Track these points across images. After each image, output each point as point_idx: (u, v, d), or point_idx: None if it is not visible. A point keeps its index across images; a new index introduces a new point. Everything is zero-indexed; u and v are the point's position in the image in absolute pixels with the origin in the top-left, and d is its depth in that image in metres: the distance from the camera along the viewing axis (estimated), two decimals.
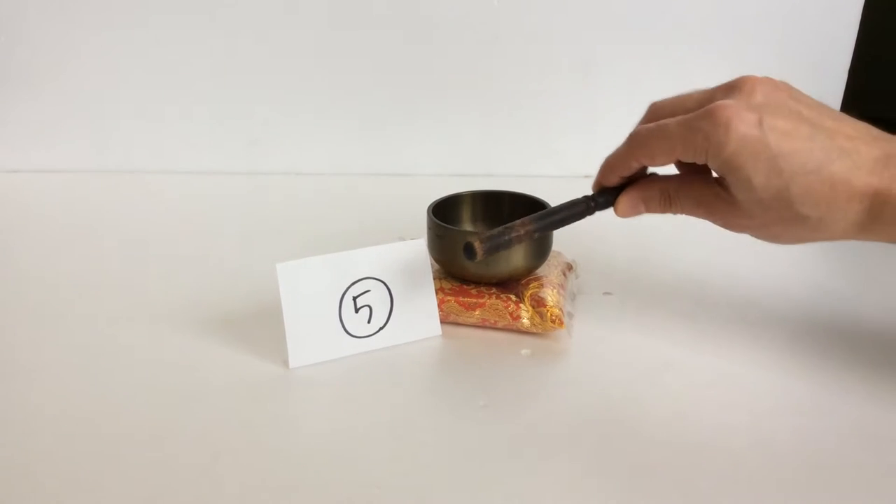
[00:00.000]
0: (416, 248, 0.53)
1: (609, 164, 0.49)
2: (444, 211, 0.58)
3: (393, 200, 0.83)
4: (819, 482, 0.40)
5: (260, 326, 0.54)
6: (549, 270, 0.57)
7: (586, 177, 0.90)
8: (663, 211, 0.48)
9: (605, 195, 0.49)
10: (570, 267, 0.60)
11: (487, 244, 0.46)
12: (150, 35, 0.86)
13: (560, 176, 0.90)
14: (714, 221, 0.47)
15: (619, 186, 0.49)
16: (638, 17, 0.85)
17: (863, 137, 0.42)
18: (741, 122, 0.41)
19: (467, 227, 0.61)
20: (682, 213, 0.48)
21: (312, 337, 0.50)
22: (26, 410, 0.46)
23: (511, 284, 0.55)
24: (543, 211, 0.49)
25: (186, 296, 0.60)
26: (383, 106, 0.90)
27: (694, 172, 0.48)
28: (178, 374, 0.50)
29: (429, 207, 0.56)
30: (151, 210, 0.81)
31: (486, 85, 0.88)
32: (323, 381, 0.49)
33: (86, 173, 0.90)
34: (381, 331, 0.52)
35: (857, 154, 0.41)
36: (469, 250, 0.46)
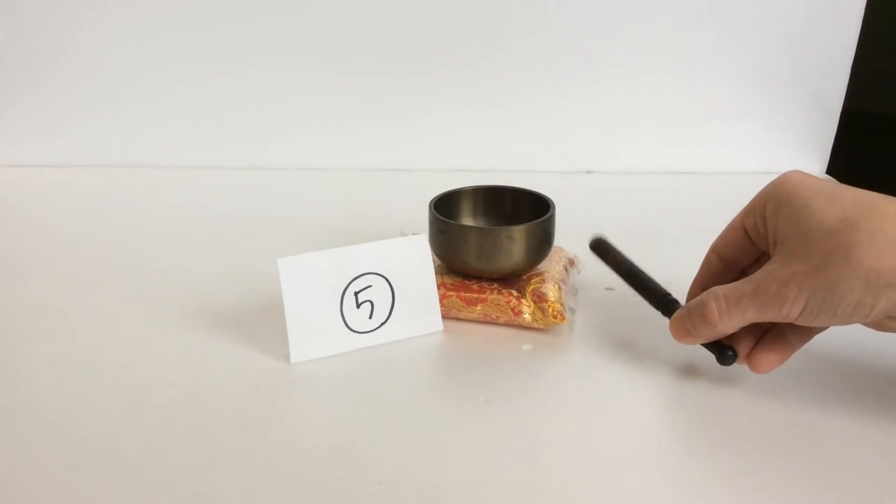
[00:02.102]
0: (418, 244, 0.53)
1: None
2: (446, 206, 0.58)
3: (394, 196, 0.83)
4: (820, 476, 0.40)
5: (261, 322, 0.54)
6: (550, 266, 0.57)
7: (588, 172, 0.91)
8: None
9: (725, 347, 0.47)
10: (571, 262, 0.60)
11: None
12: (151, 29, 0.86)
13: (562, 171, 0.90)
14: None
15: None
16: (639, 11, 0.85)
17: None
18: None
19: (469, 222, 0.61)
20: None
21: (314, 332, 0.50)
22: (26, 405, 0.46)
23: (513, 280, 0.55)
24: (639, 272, 0.52)
25: (187, 291, 0.60)
26: (385, 101, 0.89)
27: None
28: (179, 368, 0.50)
29: (431, 202, 0.56)
30: (152, 205, 0.81)
31: (488, 80, 0.88)
32: (324, 376, 0.49)
33: (86, 168, 0.90)
34: (383, 326, 0.52)
35: None
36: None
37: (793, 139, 0.89)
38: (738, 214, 0.48)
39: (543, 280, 0.55)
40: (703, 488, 0.39)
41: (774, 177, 0.44)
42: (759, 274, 0.43)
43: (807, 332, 0.46)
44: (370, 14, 0.85)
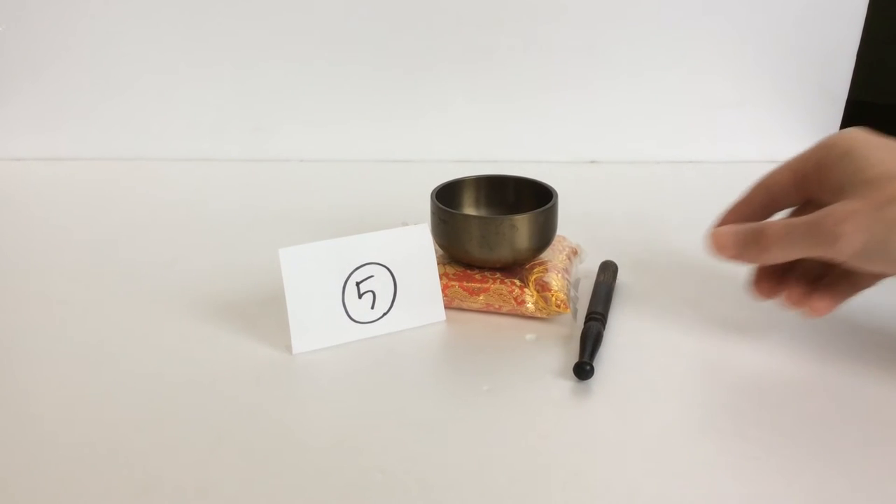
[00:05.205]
0: (420, 233, 0.53)
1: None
2: (448, 195, 0.57)
3: (396, 186, 0.83)
4: (820, 461, 0.40)
5: (263, 312, 0.54)
6: (553, 255, 0.57)
7: (592, 162, 0.90)
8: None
9: None
10: (575, 251, 0.60)
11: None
12: (151, 21, 0.86)
13: (565, 161, 0.90)
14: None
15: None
16: (641, 2, 0.84)
17: None
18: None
19: (471, 211, 0.61)
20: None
21: (315, 323, 0.50)
22: (28, 397, 0.46)
23: (515, 269, 0.55)
24: (593, 328, 0.50)
25: (189, 282, 0.60)
26: (387, 92, 0.89)
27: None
28: (181, 360, 0.50)
29: (433, 192, 0.56)
30: (153, 197, 0.81)
31: (490, 70, 0.88)
32: (326, 367, 0.49)
33: (87, 161, 0.90)
34: (385, 316, 0.52)
35: None
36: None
37: (797, 128, 0.88)
38: (791, 159, 0.47)
39: (546, 269, 0.54)
40: (708, 479, 0.39)
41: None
42: (817, 213, 0.42)
43: (856, 283, 0.47)
44: (372, 5, 0.85)
